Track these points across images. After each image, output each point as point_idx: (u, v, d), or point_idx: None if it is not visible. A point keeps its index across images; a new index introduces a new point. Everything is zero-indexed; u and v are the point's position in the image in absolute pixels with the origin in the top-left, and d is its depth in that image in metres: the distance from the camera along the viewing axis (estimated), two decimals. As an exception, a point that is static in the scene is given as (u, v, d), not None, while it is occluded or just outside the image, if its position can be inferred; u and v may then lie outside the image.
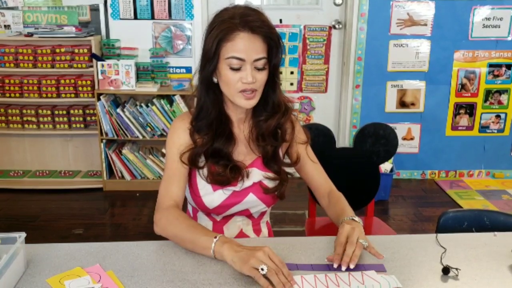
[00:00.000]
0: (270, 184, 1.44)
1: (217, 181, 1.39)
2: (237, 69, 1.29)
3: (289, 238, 1.36)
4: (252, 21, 1.27)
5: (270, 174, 1.44)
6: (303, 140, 1.51)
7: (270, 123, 1.40)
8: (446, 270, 1.19)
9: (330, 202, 1.46)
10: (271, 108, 1.40)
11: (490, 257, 1.27)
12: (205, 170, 1.40)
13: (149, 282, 1.14)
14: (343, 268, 1.16)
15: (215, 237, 1.20)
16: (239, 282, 1.14)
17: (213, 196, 1.41)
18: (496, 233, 1.40)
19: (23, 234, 1.17)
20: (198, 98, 1.40)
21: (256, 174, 1.43)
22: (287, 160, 1.52)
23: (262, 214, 1.53)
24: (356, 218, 1.30)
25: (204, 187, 1.41)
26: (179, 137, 1.41)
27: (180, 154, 1.39)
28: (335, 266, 1.18)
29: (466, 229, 1.58)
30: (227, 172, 1.38)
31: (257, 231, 1.54)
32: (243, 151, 1.44)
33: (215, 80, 1.35)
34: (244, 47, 1.26)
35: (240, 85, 1.30)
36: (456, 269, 1.19)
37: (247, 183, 1.42)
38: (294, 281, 1.12)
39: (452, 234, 1.41)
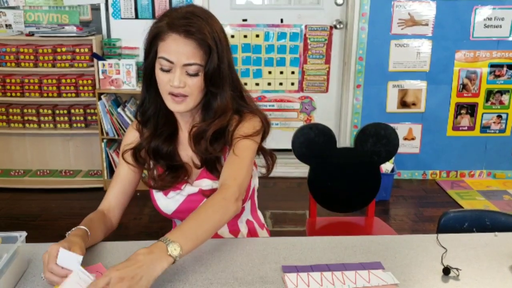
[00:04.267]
0: None
1: (159, 186, 1.38)
2: (167, 71, 1.26)
3: (290, 238, 1.36)
4: (187, 25, 1.22)
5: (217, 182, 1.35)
6: (239, 134, 1.33)
7: (196, 130, 1.34)
8: (446, 271, 1.19)
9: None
10: (211, 117, 1.32)
11: (491, 257, 1.27)
12: (155, 173, 1.40)
13: (150, 282, 1.14)
14: None
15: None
16: (239, 282, 1.14)
17: (167, 201, 1.41)
18: (497, 233, 1.39)
19: (23, 234, 1.17)
20: (141, 93, 1.39)
21: (206, 184, 1.39)
22: None
23: (240, 213, 1.46)
24: (167, 239, 1.06)
25: (157, 192, 1.41)
26: (127, 138, 1.43)
27: (122, 152, 1.41)
28: None
29: (467, 229, 1.58)
30: (165, 173, 1.38)
31: (235, 231, 1.49)
32: (191, 156, 1.40)
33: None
34: (175, 49, 1.23)
35: (168, 87, 1.27)
36: (457, 269, 1.19)
37: (192, 189, 1.38)
38: None
39: (453, 235, 1.41)
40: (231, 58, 1.33)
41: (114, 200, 1.41)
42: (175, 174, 1.38)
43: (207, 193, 1.37)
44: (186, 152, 1.41)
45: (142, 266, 1.01)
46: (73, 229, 1.21)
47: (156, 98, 1.35)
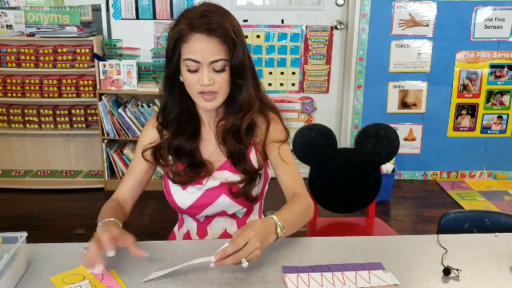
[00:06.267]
0: (239, 186, 1.40)
1: (178, 181, 1.40)
2: (195, 71, 1.28)
3: (290, 239, 1.36)
4: (208, 23, 1.24)
5: (240, 176, 1.40)
6: (277, 139, 1.41)
7: (226, 124, 1.37)
8: (447, 271, 1.19)
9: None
10: (237, 109, 1.36)
11: (491, 258, 1.27)
12: (174, 168, 1.42)
13: (150, 282, 1.14)
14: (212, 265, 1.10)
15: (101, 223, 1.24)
16: (240, 282, 1.14)
17: (184, 195, 1.42)
18: (497, 234, 1.39)
19: (24, 234, 1.17)
20: (163, 96, 1.41)
21: (226, 176, 1.41)
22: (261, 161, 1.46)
23: (248, 213, 1.50)
24: (275, 218, 1.20)
25: (174, 185, 1.42)
26: (146, 135, 1.45)
27: (142, 151, 1.42)
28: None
29: (467, 230, 1.58)
30: (186, 170, 1.40)
31: None
32: (213, 152, 1.43)
33: (181, 79, 1.34)
34: (200, 49, 1.25)
35: (198, 86, 1.29)
36: (457, 270, 1.19)
37: (213, 182, 1.40)
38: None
39: (453, 235, 1.41)
40: (248, 49, 1.37)
41: (127, 192, 1.44)
42: (197, 170, 1.40)
43: (227, 185, 1.40)
44: (208, 149, 1.43)
45: (264, 234, 1.13)
46: (103, 221, 1.23)
47: (181, 99, 1.38)
